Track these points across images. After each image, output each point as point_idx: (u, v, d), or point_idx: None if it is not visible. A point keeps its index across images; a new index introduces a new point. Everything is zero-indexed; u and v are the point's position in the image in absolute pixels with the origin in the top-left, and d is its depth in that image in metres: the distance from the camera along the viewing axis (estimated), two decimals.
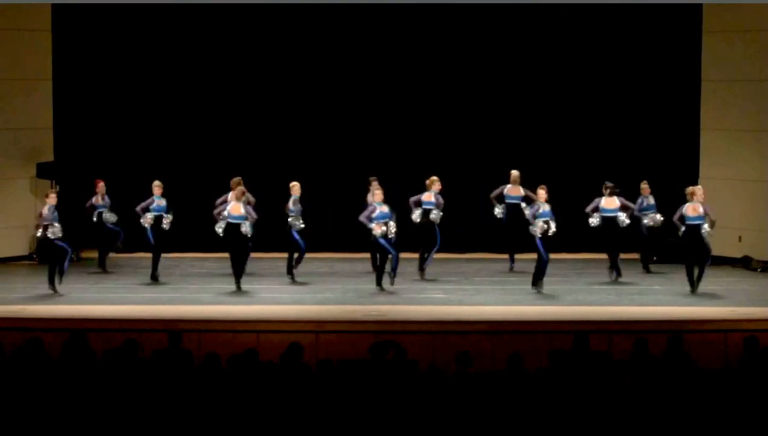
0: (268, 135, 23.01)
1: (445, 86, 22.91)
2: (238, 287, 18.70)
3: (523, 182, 20.60)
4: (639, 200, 20.29)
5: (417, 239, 19.89)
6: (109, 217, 20.43)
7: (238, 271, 18.74)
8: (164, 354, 12.57)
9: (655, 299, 18.19)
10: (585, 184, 20.92)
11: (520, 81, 22.84)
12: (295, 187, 19.56)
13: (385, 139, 22.86)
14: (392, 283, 18.74)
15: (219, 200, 19.55)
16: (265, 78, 22.93)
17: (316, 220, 19.62)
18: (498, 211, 20.67)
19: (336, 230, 22.45)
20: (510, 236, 20.71)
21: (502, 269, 20.83)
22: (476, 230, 22.49)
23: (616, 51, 22.61)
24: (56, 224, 18.34)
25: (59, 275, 18.40)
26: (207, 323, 16.24)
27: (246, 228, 18.53)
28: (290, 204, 19.48)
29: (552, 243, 18.43)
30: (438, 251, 19.94)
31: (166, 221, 19.43)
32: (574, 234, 20.68)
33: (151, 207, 19.49)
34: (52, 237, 18.27)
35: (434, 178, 19.95)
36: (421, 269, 19.89)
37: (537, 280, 18.51)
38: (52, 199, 18.53)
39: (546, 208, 18.43)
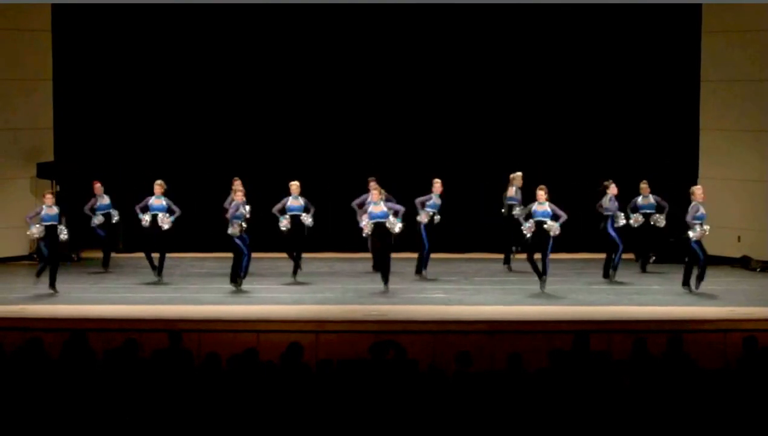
0: (268, 135, 23.03)
1: (445, 86, 22.92)
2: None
3: (523, 182, 20.57)
4: (633, 200, 20.23)
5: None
6: (113, 213, 20.42)
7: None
8: (164, 354, 12.55)
9: (655, 299, 18.20)
10: (585, 185, 20.94)
11: (520, 81, 22.85)
12: (294, 186, 19.60)
13: (385, 139, 22.88)
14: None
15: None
16: (265, 78, 22.95)
17: (316, 220, 19.60)
18: (517, 212, 20.33)
19: (336, 230, 22.46)
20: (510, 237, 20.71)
21: (503, 269, 20.82)
22: (476, 230, 22.50)
23: (616, 51, 22.62)
24: (61, 226, 18.50)
25: (38, 275, 18.52)
26: (207, 323, 16.25)
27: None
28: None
29: (548, 243, 18.40)
30: (432, 252, 19.96)
31: (167, 221, 19.33)
32: (573, 234, 20.65)
33: (148, 205, 19.45)
34: (64, 239, 18.42)
35: (437, 180, 20.01)
36: (418, 272, 19.98)
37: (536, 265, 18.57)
38: (49, 199, 18.57)
39: (545, 208, 18.42)
